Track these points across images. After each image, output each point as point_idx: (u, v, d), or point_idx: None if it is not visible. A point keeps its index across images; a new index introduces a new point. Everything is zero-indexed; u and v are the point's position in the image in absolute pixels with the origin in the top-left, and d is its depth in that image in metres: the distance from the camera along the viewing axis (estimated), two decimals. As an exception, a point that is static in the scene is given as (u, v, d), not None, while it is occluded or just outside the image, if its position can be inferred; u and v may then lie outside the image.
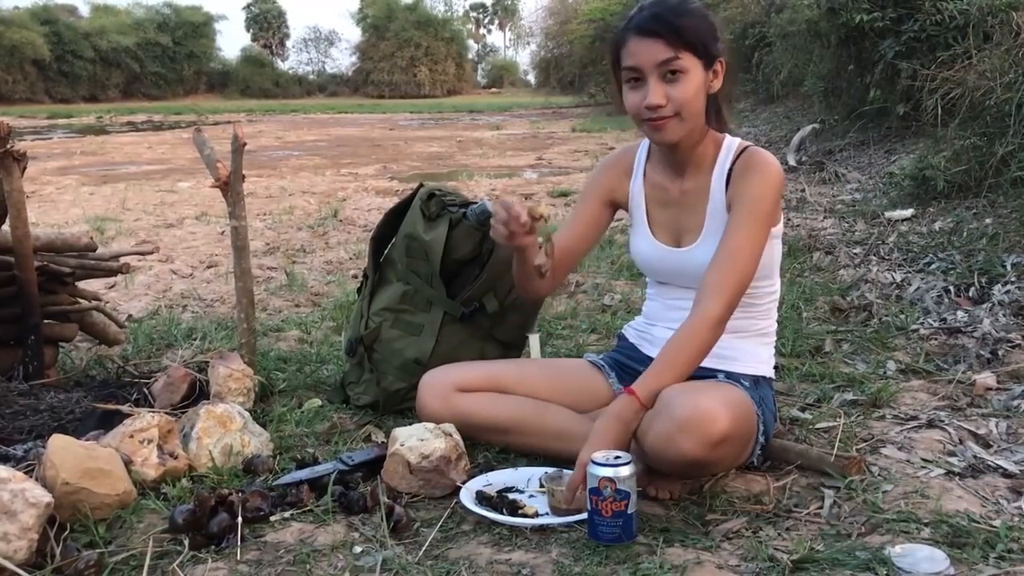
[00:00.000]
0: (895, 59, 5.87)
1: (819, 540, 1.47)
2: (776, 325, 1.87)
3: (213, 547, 1.49)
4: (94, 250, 2.49)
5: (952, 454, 1.82)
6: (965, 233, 3.52)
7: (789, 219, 4.65)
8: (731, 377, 1.73)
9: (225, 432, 1.81)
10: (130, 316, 3.21)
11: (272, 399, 2.23)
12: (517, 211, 1.58)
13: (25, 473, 1.50)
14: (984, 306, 2.73)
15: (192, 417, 1.85)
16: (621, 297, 3.31)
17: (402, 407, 2.12)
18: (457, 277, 2.12)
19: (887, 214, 4.32)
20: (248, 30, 62.84)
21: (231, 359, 2.12)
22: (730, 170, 1.72)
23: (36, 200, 6.71)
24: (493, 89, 59.04)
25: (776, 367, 1.95)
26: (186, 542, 1.49)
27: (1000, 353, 2.39)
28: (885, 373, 2.35)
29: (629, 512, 1.45)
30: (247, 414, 1.89)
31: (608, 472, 1.44)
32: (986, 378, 2.21)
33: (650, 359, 1.68)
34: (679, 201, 1.79)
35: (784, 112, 10.55)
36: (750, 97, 12.35)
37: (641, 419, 1.55)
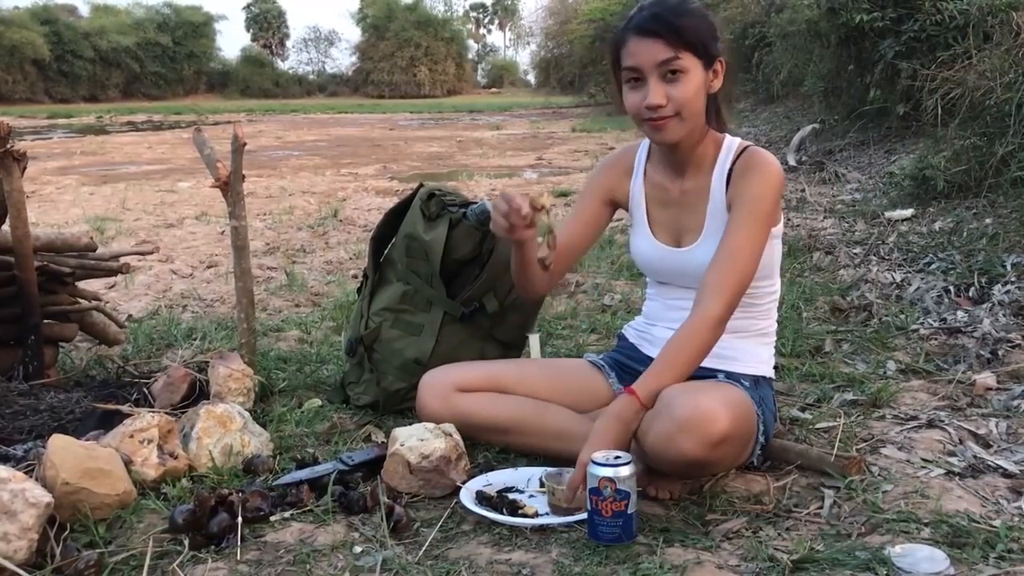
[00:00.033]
0: (895, 59, 5.87)
1: (819, 540, 1.47)
2: (776, 325, 1.87)
3: (213, 547, 1.49)
4: (94, 250, 2.49)
5: (952, 454, 1.82)
6: (965, 233, 3.52)
7: (789, 219, 4.65)
8: (731, 377, 1.73)
9: (225, 432, 1.81)
10: (130, 316, 3.21)
11: (272, 399, 2.23)
12: (518, 203, 1.58)
13: (25, 473, 1.50)
14: (984, 306, 2.73)
15: (192, 417, 1.85)
16: (621, 297, 3.31)
17: (402, 407, 2.12)
18: (457, 277, 2.12)
19: (887, 214, 4.31)
20: (248, 30, 62.88)
21: (231, 359, 2.12)
22: (730, 170, 1.73)
23: (36, 200, 6.71)
24: (493, 89, 59.02)
25: (776, 367, 1.95)
26: (186, 542, 1.49)
27: (1000, 353, 2.39)
28: (885, 373, 2.35)
29: (629, 512, 1.45)
30: (247, 414, 1.89)
31: (608, 472, 1.43)
32: (986, 378, 2.21)
33: (650, 359, 1.69)
34: (679, 201, 1.79)
35: (784, 112, 10.55)
36: (750, 97, 12.35)
37: (641, 419, 1.55)
